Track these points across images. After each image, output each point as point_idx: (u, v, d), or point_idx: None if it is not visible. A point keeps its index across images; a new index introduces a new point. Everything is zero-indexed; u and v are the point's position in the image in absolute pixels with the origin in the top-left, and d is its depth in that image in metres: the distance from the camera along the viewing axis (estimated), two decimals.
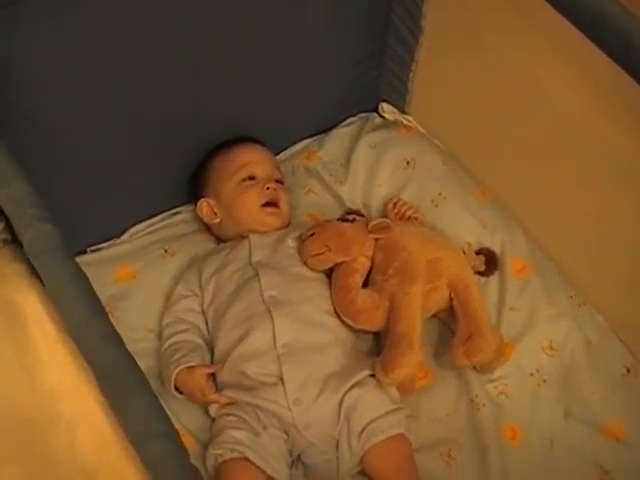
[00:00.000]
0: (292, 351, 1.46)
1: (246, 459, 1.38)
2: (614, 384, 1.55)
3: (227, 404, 1.46)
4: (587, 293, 1.63)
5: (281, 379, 1.43)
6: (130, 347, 1.53)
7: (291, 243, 1.62)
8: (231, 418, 1.43)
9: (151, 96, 1.53)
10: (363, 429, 1.41)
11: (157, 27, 1.42)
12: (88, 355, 0.91)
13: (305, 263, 1.58)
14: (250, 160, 1.68)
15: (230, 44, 1.56)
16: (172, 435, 0.87)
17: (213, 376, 1.50)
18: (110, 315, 1.52)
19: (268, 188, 1.66)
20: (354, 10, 1.68)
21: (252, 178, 1.67)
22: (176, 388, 1.48)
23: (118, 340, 0.93)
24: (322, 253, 1.55)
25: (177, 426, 1.40)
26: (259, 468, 1.38)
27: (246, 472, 1.38)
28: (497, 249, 1.68)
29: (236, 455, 1.39)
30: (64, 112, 1.43)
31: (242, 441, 1.40)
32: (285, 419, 1.42)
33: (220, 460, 1.40)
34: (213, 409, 1.48)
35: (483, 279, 1.66)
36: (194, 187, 1.74)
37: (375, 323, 1.53)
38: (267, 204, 1.66)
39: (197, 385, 1.46)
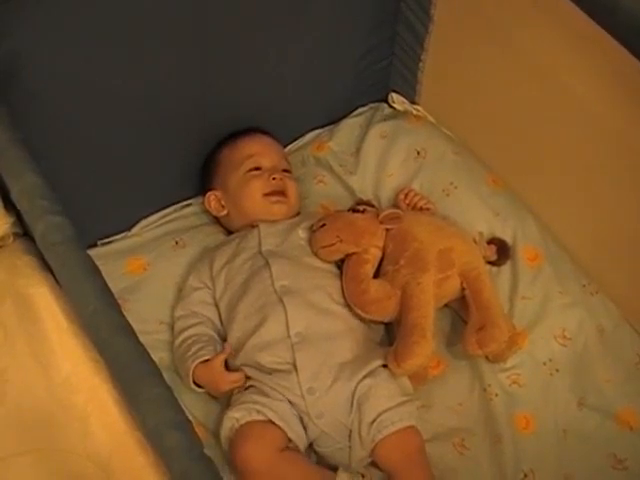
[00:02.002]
0: (305, 340, 1.46)
1: (268, 421, 1.39)
2: (627, 372, 1.55)
3: (247, 379, 1.47)
4: (600, 281, 1.62)
5: (295, 367, 1.43)
6: (142, 339, 1.53)
7: (302, 234, 1.62)
8: (251, 389, 1.45)
9: (160, 88, 1.53)
10: (374, 420, 1.41)
11: (166, 18, 1.42)
12: (100, 346, 0.92)
13: (316, 254, 1.58)
14: (256, 151, 1.68)
15: (237, 33, 1.56)
16: (185, 425, 0.87)
17: (227, 368, 1.50)
18: (121, 307, 1.60)
19: (274, 179, 1.66)
20: None
21: (258, 169, 1.67)
22: (194, 383, 1.49)
23: (130, 331, 0.93)
24: (333, 244, 1.55)
25: (190, 418, 1.45)
26: (280, 429, 1.38)
27: (269, 431, 1.38)
28: (509, 237, 1.68)
29: (256, 417, 1.39)
30: (75, 104, 1.44)
31: (264, 403, 1.40)
32: (299, 407, 1.42)
33: (239, 424, 1.40)
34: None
35: (495, 268, 1.65)
36: (202, 180, 1.74)
37: (387, 313, 1.53)
38: (271, 193, 1.66)
39: (215, 374, 1.46)
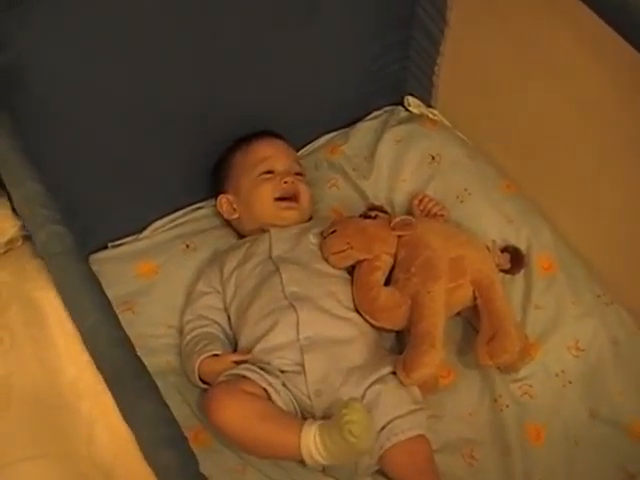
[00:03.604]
0: (315, 343, 1.45)
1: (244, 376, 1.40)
2: None
3: None
4: (615, 291, 1.59)
5: (303, 368, 1.42)
6: (150, 343, 1.59)
7: (313, 239, 1.60)
8: None
9: (170, 90, 1.53)
10: (383, 427, 1.39)
11: (173, 18, 1.42)
12: (98, 359, 0.91)
13: (327, 260, 1.57)
14: (268, 154, 1.67)
15: (249, 34, 1.54)
16: (180, 442, 0.85)
17: None
18: (130, 311, 1.61)
19: (286, 182, 1.65)
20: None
21: (270, 172, 1.66)
22: (200, 380, 1.48)
23: (128, 345, 0.92)
24: (343, 250, 1.54)
25: (196, 422, 1.45)
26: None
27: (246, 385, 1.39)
28: (523, 245, 1.65)
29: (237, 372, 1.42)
30: (80, 107, 1.43)
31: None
32: (305, 407, 1.41)
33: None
34: None
35: (508, 276, 1.63)
36: (215, 183, 1.73)
37: (397, 322, 1.51)
38: (282, 198, 1.64)
39: (223, 369, 1.45)
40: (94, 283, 0.95)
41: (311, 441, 1.32)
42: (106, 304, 0.95)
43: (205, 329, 1.55)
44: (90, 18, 1.31)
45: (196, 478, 0.84)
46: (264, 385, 1.40)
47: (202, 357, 1.47)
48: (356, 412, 1.28)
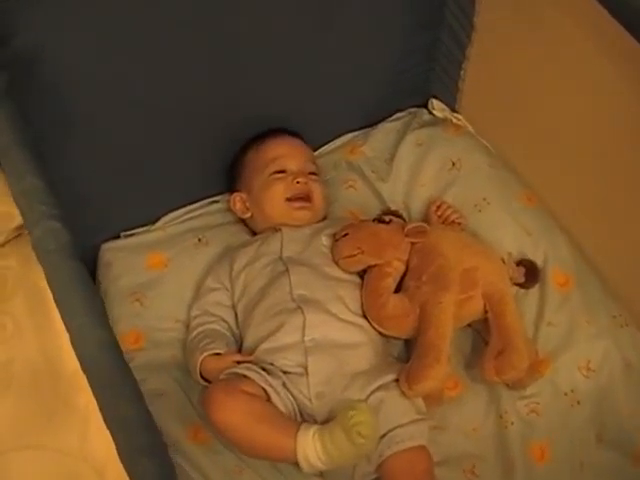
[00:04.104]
0: (320, 345, 1.43)
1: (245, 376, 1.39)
2: None
3: None
4: (631, 311, 1.55)
5: (306, 370, 1.41)
6: (156, 336, 1.58)
7: (325, 241, 1.58)
8: None
9: (188, 85, 1.51)
10: (384, 435, 1.36)
11: (190, 14, 1.39)
12: (85, 361, 0.90)
13: (337, 264, 1.54)
14: (281, 153, 1.65)
15: (270, 28, 1.52)
16: (159, 451, 0.84)
17: None
18: (139, 302, 1.61)
19: (298, 182, 1.62)
20: None
21: (283, 172, 1.64)
22: (202, 377, 1.47)
23: (116, 349, 0.91)
24: (354, 255, 1.51)
25: (196, 419, 1.45)
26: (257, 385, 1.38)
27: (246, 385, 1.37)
28: (540, 259, 1.61)
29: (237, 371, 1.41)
30: (98, 99, 1.42)
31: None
32: (305, 410, 1.40)
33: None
34: None
35: (522, 290, 1.59)
36: (229, 180, 1.72)
37: (404, 330, 1.49)
38: (295, 198, 1.62)
39: (224, 368, 1.44)
40: (86, 283, 0.94)
41: (309, 444, 1.31)
42: (97, 305, 0.93)
43: (211, 326, 1.53)
44: (107, 9, 1.29)
45: None
46: (264, 385, 1.38)
47: (204, 355, 1.46)
48: (364, 413, 1.27)
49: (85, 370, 0.90)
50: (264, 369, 1.42)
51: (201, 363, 1.46)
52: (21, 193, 0.99)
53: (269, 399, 1.38)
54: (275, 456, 1.37)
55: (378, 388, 1.40)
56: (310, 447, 1.31)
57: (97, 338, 0.90)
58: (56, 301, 0.94)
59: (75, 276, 0.93)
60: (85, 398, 1.26)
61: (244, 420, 1.34)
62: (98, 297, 0.95)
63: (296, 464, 1.38)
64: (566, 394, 1.49)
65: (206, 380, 1.48)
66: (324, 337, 1.44)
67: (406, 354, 1.55)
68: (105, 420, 0.88)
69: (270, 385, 1.39)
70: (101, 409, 0.88)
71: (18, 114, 1.09)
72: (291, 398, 1.40)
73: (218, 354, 1.47)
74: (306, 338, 1.44)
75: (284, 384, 1.41)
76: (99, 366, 0.89)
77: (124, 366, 0.89)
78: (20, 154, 1.02)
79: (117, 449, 0.86)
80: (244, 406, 1.35)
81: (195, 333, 1.53)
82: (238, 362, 1.45)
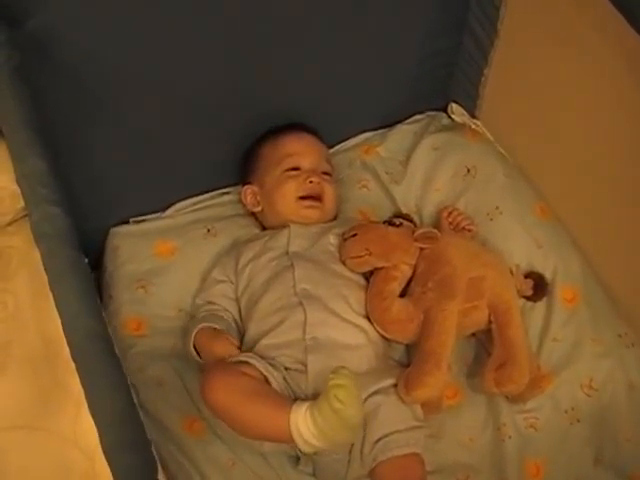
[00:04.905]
0: (320, 344, 1.43)
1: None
2: None
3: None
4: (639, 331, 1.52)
5: (306, 367, 1.40)
6: (159, 324, 1.58)
7: (332, 239, 1.57)
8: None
9: (205, 72, 1.49)
10: (379, 439, 1.35)
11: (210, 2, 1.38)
12: (74, 350, 0.89)
13: (344, 263, 1.53)
14: (296, 150, 1.63)
15: (290, 24, 1.50)
16: (142, 447, 0.83)
17: None
18: (143, 289, 1.61)
19: (311, 181, 1.61)
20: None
21: (296, 169, 1.63)
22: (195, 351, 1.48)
23: (106, 340, 0.90)
24: (361, 256, 1.50)
25: (193, 410, 1.45)
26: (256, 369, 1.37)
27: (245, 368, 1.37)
28: (549, 273, 1.58)
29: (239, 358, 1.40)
30: (113, 80, 1.41)
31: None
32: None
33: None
34: None
35: (529, 303, 1.57)
36: (242, 172, 1.71)
37: (407, 335, 1.47)
38: (306, 197, 1.61)
39: (221, 345, 1.44)
40: (80, 271, 0.93)
41: (300, 418, 1.28)
42: (90, 294, 0.93)
43: (215, 312, 1.54)
44: None
45: None
46: (264, 372, 1.37)
47: (202, 324, 1.47)
48: (343, 377, 1.25)
49: (74, 358, 0.89)
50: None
51: (196, 334, 1.47)
52: (23, 175, 0.98)
53: (268, 384, 1.37)
54: (268, 433, 1.34)
55: (376, 392, 1.39)
56: (302, 422, 1.28)
57: (87, 327, 0.89)
58: (50, 286, 0.94)
59: (70, 263, 0.93)
60: (79, 384, 1.26)
61: (239, 394, 1.32)
62: (92, 286, 0.94)
63: (290, 456, 1.41)
64: (566, 411, 1.48)
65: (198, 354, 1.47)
66: (325, 336, 1.43)
67: (407, 358, 1.53)
68: (91, 412, 0.87)
69: (270, 373, 1.38)
70: (87, 399, 0.88)
71: (29, 96, 1.08)
72: (290, 391, 1.39)
73: (218, 330, 1.47)
74: (307, 336, 1.43)
75: (284, 378, 1.40)
76: (87, 356, 0.88)
77: (113, 358, 0.89)
78: (26, 135, 1.02)
79: (100, 441, 0.85)
80: (242, 382, 1.34)
81: (197, 315, 1.54)
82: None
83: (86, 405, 1.20)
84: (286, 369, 1.42)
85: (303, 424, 1.27)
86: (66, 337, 0.91)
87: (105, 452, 0.85)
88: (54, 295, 0.92)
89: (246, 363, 1.39)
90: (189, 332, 1.49)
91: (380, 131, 1.85)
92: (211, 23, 1.41)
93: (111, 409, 0.85)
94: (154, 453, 0.85)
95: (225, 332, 1.48)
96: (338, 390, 1.23)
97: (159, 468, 0.85)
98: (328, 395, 1.24)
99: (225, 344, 1.44)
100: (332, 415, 1.24)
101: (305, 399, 1.36)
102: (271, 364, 1.40)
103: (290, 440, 1.29)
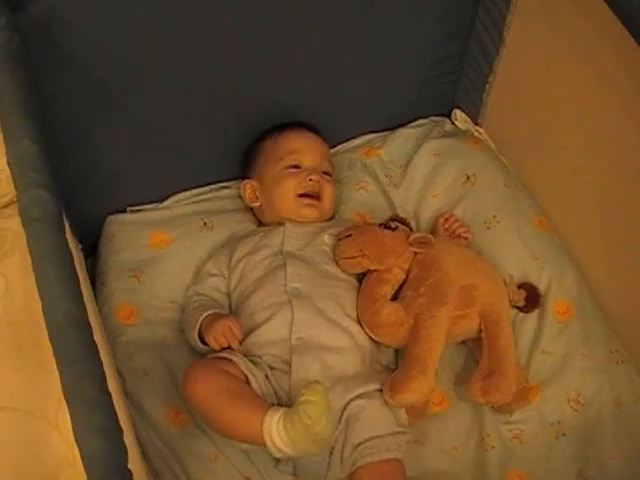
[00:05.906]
0: (305, 345, 1.42)
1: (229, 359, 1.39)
2: (636, 453, 1.42)
3: None
4: (630, 350, 1.51)
5: (289, 367, 1.40)
6: (150, 314, 1.58)
7: (327, 240, 1.57)
8: None
9: (211, 66, 1.49)
10: (360, 443, 1.35)
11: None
12: (52, 332, 0.89)
13: (337, 263, 1.53)
14: (298, 148, 1.63)
15: (299, 23, 1.50)
16: (113, 433, 0.83)
17: None
18: (136, 279, 1.61)
19: (311, 180, 1.61)
20: (436, 5, 1.60)
21: (297, 167, 1.62)
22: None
23: (85, 325, 0.90)
24: (355, 257, 1.49)
25: (178, 401, 1.44)
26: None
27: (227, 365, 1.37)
28: (543, 285, 1.57)
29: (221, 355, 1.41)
30: (115, 67, 1.41)
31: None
32: (283, 404, 1.37)
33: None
34: None
35: (521, 314, 1.56)
36: (243, 166, 1.71)
37: (396, 339, 1.47)
38: (305, 195, 1.61)
39: (224, 324, 1.43)
40: (65, 255, 0.93)
41: (274, 425, 1.28)
42: (73, 278, 0.92)
43: (208, 302, 1.54)
44: None
45: (119, 472, 0.81)
46: (245, 371, 1.38)
47: (209, 312, 1.47)
48: (315, 394, 1.25)
49: (51, 341, 0.89)
50: (251, 361, 1.41)
51: (202, 321, 1.46)
52: (14, 157, 0.98)
53: (248, 384, 1.37)
54: (240, 434, 1.34)
55: (360, 396, 1.38)
56: (274, 428, 1.28)
57: (67, 311, 0.89)
58: (32, 268, 0.93)
59: (54, 247, 0.92)
60: None
61: (216, 392, 1.33)
62: (74, 271, 0.94)
63: (272, 457, 1.38)
64: (552, 425, 1.46)
65: (203, 343, 1.47)
66: (311, 337, 1.43)
67: (396, 363, 1.53)
68: (65, 396, 0.87)
69: (251, 372, 1.38)
70: (62, 384, 0.88)
71: (27, 80, 1.08)
72: (271, 390, 1.39)
73: (220, 314, 1.48)
74: (293, 336, 1.43)
75: (267, 376, 1.40)
76: (63, 339, 0.88)
77: (91, 343, 0.88)
78: (20, 118, 1.01)
79: (72, 425, 0.85)
80: (220, 380, 1.34)
81: (192, 302, 1.54)
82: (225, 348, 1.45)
83: None
84: (271, 369, 1.42)
85: (275, 431, 1.28)
86: (45, 320, 0.91)
87: (76, 436, 0.85)
88: (36, 277, 0.92)
89: (229, 360, 1.39)
90: (193, 318, 1.48)
91: (382, 133, 1.84)
92: (218, 15, 1.41)
93: (85, 395, 0.84)
94: (125, 442, 0.84)
95: (233, 316, 1.48)
96: (308, 406, 1.24)
97: (133, 457, 0.85)
98: (298, 410, 1.24)
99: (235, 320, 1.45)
100: (302, 428, 1.24)
101: (287, 400, 1.37)
102: (254, 362, 1.41)
103: (262, 444, 1.30)
